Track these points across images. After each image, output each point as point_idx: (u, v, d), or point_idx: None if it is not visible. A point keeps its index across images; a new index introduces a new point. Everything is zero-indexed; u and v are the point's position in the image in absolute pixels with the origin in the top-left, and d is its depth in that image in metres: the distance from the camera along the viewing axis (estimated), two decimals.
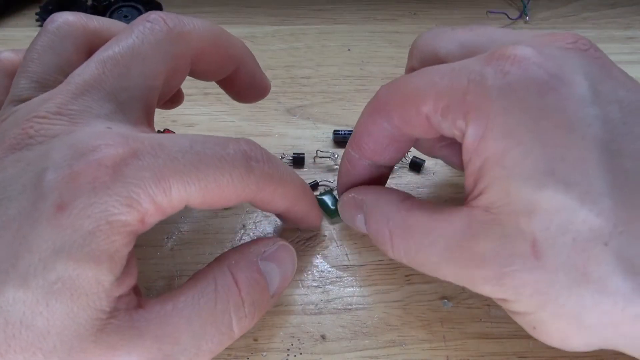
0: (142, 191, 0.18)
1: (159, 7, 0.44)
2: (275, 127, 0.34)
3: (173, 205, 0.19)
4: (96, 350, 0.17)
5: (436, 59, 0.24)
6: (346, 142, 0.26)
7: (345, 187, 0.26)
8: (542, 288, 0.18)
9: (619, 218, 0.17)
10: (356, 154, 0.25)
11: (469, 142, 0.20)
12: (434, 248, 0.21)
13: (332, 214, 0.29)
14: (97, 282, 0.17)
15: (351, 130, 0.26)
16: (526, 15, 0.47)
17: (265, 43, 0.41)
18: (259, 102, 0.36)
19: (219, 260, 0.22)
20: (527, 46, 0.19)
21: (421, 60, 0.26)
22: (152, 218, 0.18)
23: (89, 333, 0.17)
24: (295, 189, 0.23)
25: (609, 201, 0.17)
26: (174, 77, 0.24)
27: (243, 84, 0.28)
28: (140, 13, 0.42)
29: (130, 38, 0.22)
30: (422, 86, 0.21)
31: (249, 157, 0.20)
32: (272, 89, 0.37)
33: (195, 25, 0.24)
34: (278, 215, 0.27)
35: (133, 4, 0.43)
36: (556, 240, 0.18)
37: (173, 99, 0.30)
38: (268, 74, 0.38)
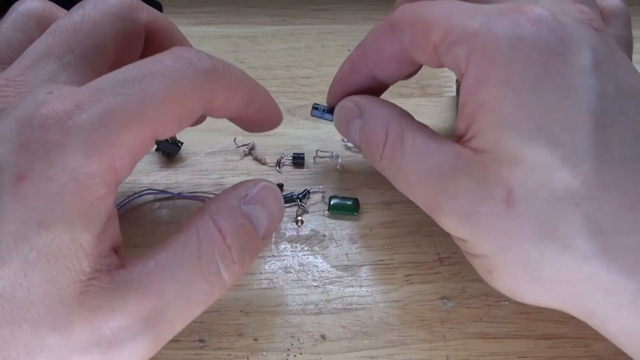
0: (95, 137, 0.17)
1: (159, 7, 0.44)
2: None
3: (139, 141, 0.18)
4: (81, 313, 0.17)
5: None
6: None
7: (339, 92, 0.27)
8: (508, 234, 0.19)
9: (595, 184, 0.18)
10: (359, 61, 0.25)
11: (467, 84, 0.20)
12: (417, 167, 0.22)
13: (354, 209, 0.30)
14: (73, 242, 0.17)
15: (330, 110, 0.27)
16: None
17: (265, 43, 0.41)
18: None
19: (200, 210, 0.21)
20: (544, 9, 0.20)
21: None
22: (123, 161, 0.18)
23: (72, 297, 0.17)
24: (247, 79, 0.23)
25: (589, 166, 0.18)
26: (130, 44, 0.24)
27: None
28: None
29: (83, 6, 0.22)
30: (438, 15, 0.21)
31: (191, 62, 0.20)
32: (272, 88, 0.37)
33: (154, 13, 0.25)
34: (238, 122, 0.26)
35: None
36: (531, 193, 0.19)
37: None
38: (268, 74, 0.38)
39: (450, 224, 0.21)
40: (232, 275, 0.20)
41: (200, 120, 0.28)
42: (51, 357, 0.17)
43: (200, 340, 0.25)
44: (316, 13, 0.44)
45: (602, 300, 0.19)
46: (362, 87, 0.26)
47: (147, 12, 0.24)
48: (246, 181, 0.22)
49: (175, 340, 0.25)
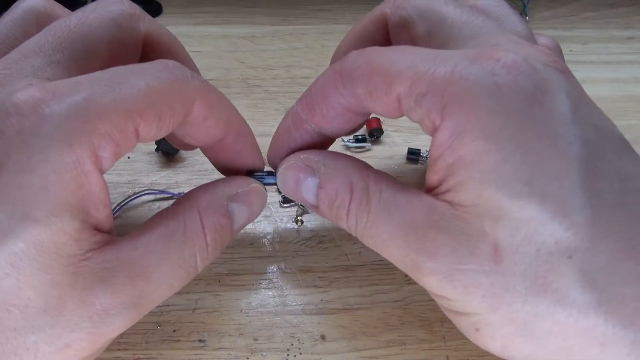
0: (74, 126, 0.17)
1: (159, 7, 0.44)
2: (275, 127, 0.34)
3: (119, 132, 0.18)
4: (73, 292, 0.17)
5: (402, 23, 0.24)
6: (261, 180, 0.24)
7: (281, 150, 0.24)
8: (497, 291, 0.18)
9: (587, 234, 0.18)
10: (304, 115, 0.23)
11: (442, 138, 0.19)
12: (387, 225, 0.20)
13: None
14: (62, 232, 0.17)
15: (269, 172, 0.25)
16: (526, 15, 0.47)
17: (265, 43, 0.41)
18: (259, 102, 0.36)
19: (189, 198, 0.22)
20: (515, 53, 0.19)
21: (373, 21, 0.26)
22: (104, 151, 0.18)
23: (64, 279, 0.17)
24: (227, 101, 0.23)
25: (580, 217, 0.18)
26: (125, 51, 0.23)
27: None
28: None
29: (84, 10, 0.22)
30: (399, 64, 0.20)
31: (172, 67, 0.20)
32: (272, 88, 0.37)
33: (156, 26, 0.25)
34: (211, 156, 0.25)
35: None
36: (519, 248, 0.18)
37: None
38: (268, 74, 0.38)
39: (431, 283, 0.19)
40: (204, 266, 0.21)
41: (188, 146, 0.28)
42: (42, 336, 0.17)
43: (200, 340, 0.25)
44: (316, 13, 0.44)
45: (598, 354, 0.18)
46: (307, 144, 0.24)
47: (149, 23, 0.24)
48: (238, 178, 0.23)
49: (175, 340, 0.25)
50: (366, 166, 0.22)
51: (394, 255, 0.20)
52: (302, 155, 0.23)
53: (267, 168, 0.25)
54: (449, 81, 0.19)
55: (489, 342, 0.20)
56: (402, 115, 0.21)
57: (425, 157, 0.32)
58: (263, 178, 0.25)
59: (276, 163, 0.24)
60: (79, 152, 0.17)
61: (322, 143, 0.24)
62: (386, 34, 0.26)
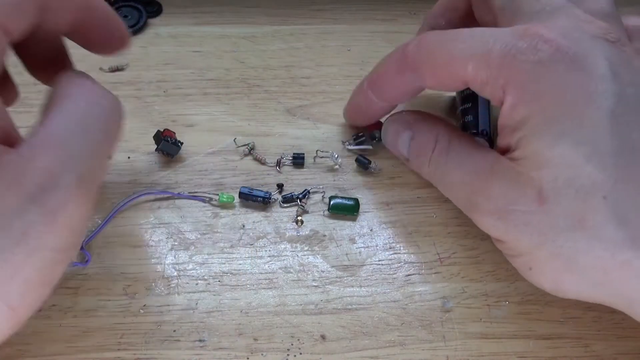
0: None
1: (159, 7, 0.44)
2: (275, 127, 0.34)
3: None
4: None
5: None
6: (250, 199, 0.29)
7: (359, 121, 0.31)
8: (543, 229, 0.21)
9: (619, 176, 0.20)
10: (375, 98, 0.28)
11: (505, 109, 0.23)
12: (459, 169, 0.25)
13: (354, 209, 0.30)
14: None
15: (260, 193, 0.30)
16: None
17: (265, 43, 0.41)
18: (259, 102, 0.36)
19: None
20: (559, 28, 0.22)
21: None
22: None
23: None
24: None
25: (613, 160, 0.20)
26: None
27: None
28: (140, 13, 0.42)
29: None
30: (459, 53, 0.23)
31: None
32: (272, 88, 0.37)
33: None
34: (77, 35, 0.24)
35: (133, 3, 0.43)
36: (561, 191, 0.21)
37: (54, 59, 0.26)
38: (268, 74, 0.38)
39: (487, 223, 0.23)
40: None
41: (59, 65, 0.26)
42: None
43: (200, 340, 0.25)
44: (316, 13, 0.44)
45: (637, 286, 0.20)
46: (379, 114, 0.30)
47: None
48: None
49: (175, 340, 0.25)
50: (451, 125, 0.27)
51: (459, 198, 0.25)
52: (402, 113, 0.29)
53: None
54: (502, 62, 0.22)
55: (541, 278, 0.22)
56: (460, 89, 0.25)
57: (376, 167, 0.33)
58: (252, 193, 0.29)
59: (364, 123, 0.32)
60: None
61: (386, 109, 0.30)
62: (469, 4, 0.29)
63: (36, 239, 0.17)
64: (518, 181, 0.22)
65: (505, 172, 0.23)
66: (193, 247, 0.28)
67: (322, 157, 0.32)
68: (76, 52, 0.25)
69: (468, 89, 0.24)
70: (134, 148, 0.32)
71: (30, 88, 0.27)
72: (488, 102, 0.31)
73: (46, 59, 0.24)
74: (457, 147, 0.25)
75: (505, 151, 0.24)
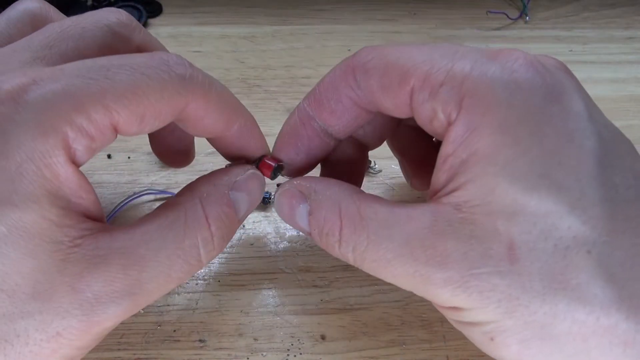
0: (49, 114, 0.17)
1: (159, 7, 0.44)
2: (275, 127, 0.34)
3: (95, 127, 0.18)
4: (62, 278, 0.17)
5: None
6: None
7: (287, 148, 0.24)
8: (514, 293, 0.17)
9: (605, 228, 0.17)
10: (311, 111, 0.23)
11: (458, 132, 0.19)
12: (390, 244, 0.19)
13: None
14: (42, 218, 0.17)
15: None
16: (526, 15, 0.47)
17: (265, 43, 0.41)
18: (259, 102, 0.36)
19: (190, 189, 0.21)
20: (530, 55, 0.19)
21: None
22: (78, 144, 0.18)
23: (52, 265, 0.17)
24: (230, 97, 0.22)
25: (598, 210, 0.17)
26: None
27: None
28: (140, 13, 0.42)
29: (81, 15, 0.22)
30: (416, 58, 0.20)
31: (167, 64, 0.19)
32: (272, 88, 0.37)
33: (150, 38, 0.24)
34: (218, 145, 0.24)
35: (133, 4, 0.43)
36: (536, 245, 0.17)
37: (182, 152, 0.28)
38: (268, 74, 0.38)
39: (444, 295, 0.18)
40: (210, 258, 0.21)
41: (184, 158, 0.28)
42: (32, 322, 0.17)
43: (200, 340, 0.25)
44: (316, 13, 0.44)
45: (620, 356, 0.17)
46: (311, 144, 0.24)
47: (144, 35, 0.24)
48: (236, 166, 0.23)
49: (175, 340, 0.25)
50: (357, 190, 0.21)
51: (399, 275, 0.19)
52: (296, 182, 0.23)
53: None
54: (468, 75, 0.19)
55: (504, 350, 0.19)
56: (410, 114, 0.21)
57: (376, 167, 0.33)
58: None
59: (282, 160, 0.25)
60: (52, 141, 0.17)
61: (326, 144, 0.24)
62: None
63: (68, 340, 0.18)
64: (478, 237, 0.18)
65: (456, 228, 0.18)
66: None
67: None
68: None
69: None
70: (134, 148, 0.32)
71: None
72: None
73: (173, 147, 0.25)
74: (375, 215, 0.20)
75: (439, 190, 0.19)
